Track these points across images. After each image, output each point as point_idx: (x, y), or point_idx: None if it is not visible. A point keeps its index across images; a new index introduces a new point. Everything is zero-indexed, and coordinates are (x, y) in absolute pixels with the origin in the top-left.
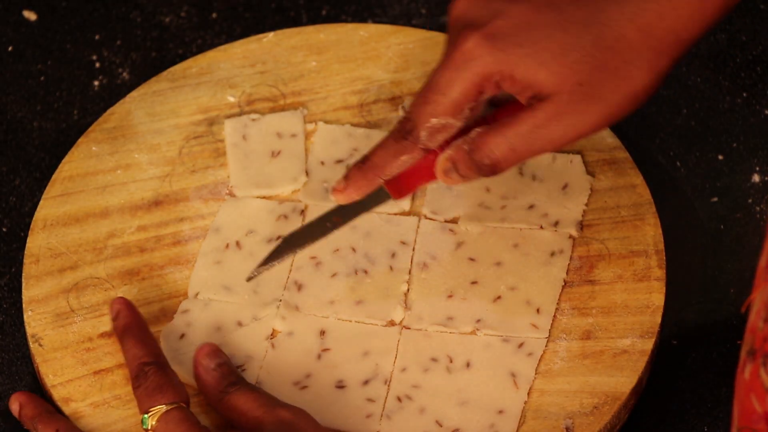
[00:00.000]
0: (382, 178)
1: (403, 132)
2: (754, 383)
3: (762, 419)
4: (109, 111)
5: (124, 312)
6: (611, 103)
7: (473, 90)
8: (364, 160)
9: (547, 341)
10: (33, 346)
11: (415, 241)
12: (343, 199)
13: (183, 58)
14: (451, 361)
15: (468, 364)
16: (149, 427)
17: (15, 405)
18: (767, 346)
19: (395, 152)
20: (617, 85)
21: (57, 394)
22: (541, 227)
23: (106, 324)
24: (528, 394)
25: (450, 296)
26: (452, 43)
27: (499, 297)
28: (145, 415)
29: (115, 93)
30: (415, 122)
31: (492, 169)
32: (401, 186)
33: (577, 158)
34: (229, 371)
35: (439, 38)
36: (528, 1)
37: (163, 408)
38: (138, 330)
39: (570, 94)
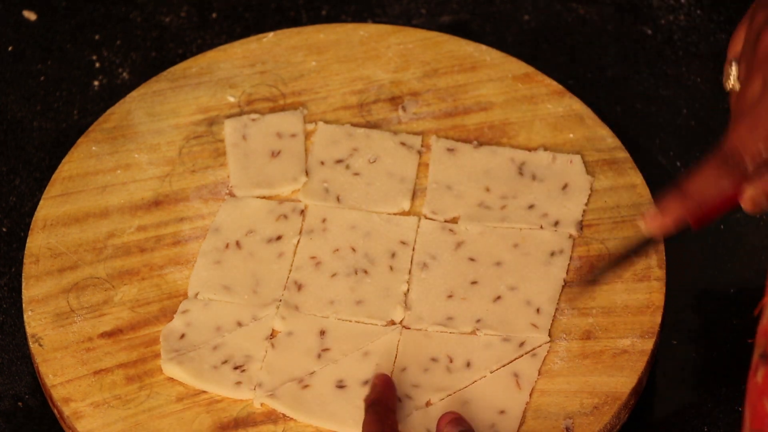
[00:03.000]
0: (701, 210)
1: (729, 165)
2: (767, 387)
3: None
4: (109, 111)
5: (379, 387)
6: None
7: None
8: (684, 192)
9: (548, 341)
10: (33, 346)
11: (415, 241)
12: (659, 230)
13: (183, 58)
14: (451, 361)
15: (468, 364)
16: None
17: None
18: None
19: (720, 186)
20: None
21: (57, 394)
22: (541, 227)
23: (106, 324)
24: (529, 394)
25: (450, 296)
26: None
27: (499, 297)
28: None
29: (115, 93)
30: (743, 156)
31: None
32: (703, 215)
33: (577, 158)
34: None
35: (439, 38)
36: None
37: None
38: (383, 407)
39: None
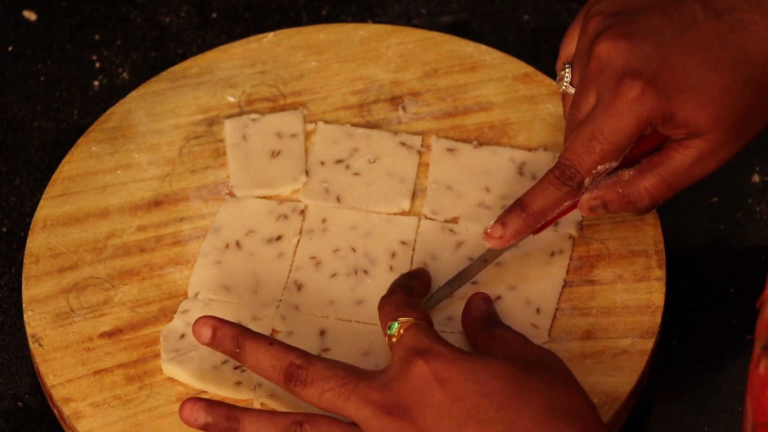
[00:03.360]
0: (540, 223)
1: (565, 178)
2: None
3: None
4: (109, 111)
5: (420, 273)
6: (755, 133)
7: (636, 133)
8: (523, 207)
9: (547, 341)
10: (33, 346)
11: (415, 241)
12: (499, 244)
13: (183, 58)
14: None
15: None
16: (395, 334)
17: (206, 329)
18: None
19: (557, 199)
20: (760, 118)
21: (57, 394)
22: None
23: (106, 324)
24: None
25: (450, 296)
26: (613, 91)
27: (499, 297)
28: (394, 323)
29: (115, 93)
30: (579, 170)
31: (649, 209)
32: (543, 225)
33: None
34: (495, 314)
35: (439, 38)
36: (672, 43)
37: (412, 320)
38: (417, 283)
39: (726, 133)
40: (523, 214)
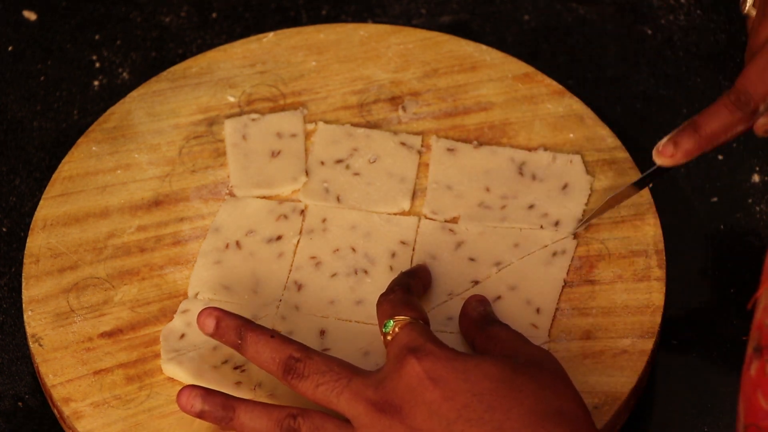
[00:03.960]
0: (712, 146)
1: (739, 104)
2: (761, 380)
3: None
4: (109, 111)
5: (420, 271)
6: None
7: None
8: (696, 128)
9: (547, 341)
10: (33, 346)
11: (415, 241)
12: (671, 162)
13: (183, 58)
14: None
15: None
16: (390, 332)
17: (210, 320)
18: None
19: (730, 123)
20: None
21: (57, 394)
22: (542, 227)
23: (106, 324)
24: None
25: (450, 296)
26: None
27: (499, 297)
28: (390, 321)
29: (115, 93)
30: (753, 96)
31: None
32: (712, 147)
33: (577, 158)
34: (492, 314)
35: (439, 38)
36: None
37: (407, 319)
38: (416, 282)
39: None
40: (696, 135)
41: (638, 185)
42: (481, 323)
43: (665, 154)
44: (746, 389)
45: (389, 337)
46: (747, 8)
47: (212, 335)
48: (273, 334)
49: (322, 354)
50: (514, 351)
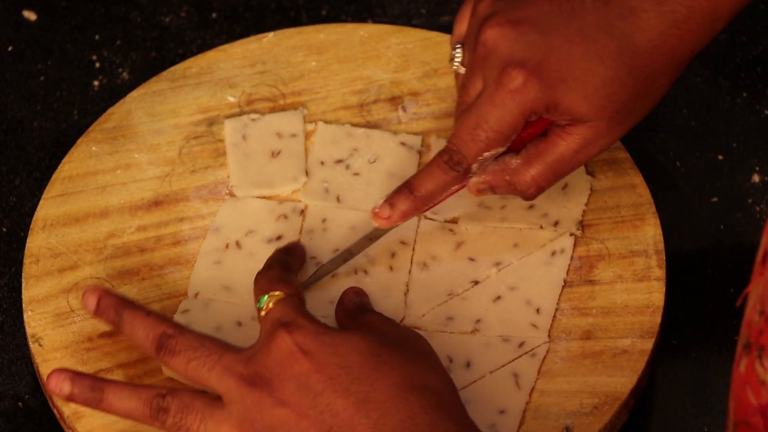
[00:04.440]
0: (428, 207)
1: (452, 164)
2: (750, 376)
3: (757, 412)
4: (109, 111)
5: (295, 248)
6: (639, 118)
7: (521, 121)
8: (412, 189)
9: (547, 341)
10: (33, 346)
11: (415, 241)
12: (386, 224)
13: (183, 58)
14: (451, 361)
15: (468, 364)
16: (263, 307)
17: (92, 297)
18: (762, 339)
19: (445, 183)
20: (644, 105)
21: None
22: (541, 227)
23: (106, 324)
24: (528, 394)
25: (450, 296)
26: (496, 80)
27: (499, 297)
28: (264, 297)
29: (115, 93)
30: (465, 156)
31: (535, 195)
32: (430, 207)
33: None
34: (368, 304)
35: (439, 38)
36: (558, 32)
37: (281, 294)
38: (294, 259)
39: (608, 121)
40: (411, 197)
41: (361, 244)
42: (355, 312)
43: (381, 215)
44: (736, 386)
45: (263, 313)
46: (456, 66)
47: (94, 314)
48: (149, 312)
49: (195, 331)
50: (385, 332)
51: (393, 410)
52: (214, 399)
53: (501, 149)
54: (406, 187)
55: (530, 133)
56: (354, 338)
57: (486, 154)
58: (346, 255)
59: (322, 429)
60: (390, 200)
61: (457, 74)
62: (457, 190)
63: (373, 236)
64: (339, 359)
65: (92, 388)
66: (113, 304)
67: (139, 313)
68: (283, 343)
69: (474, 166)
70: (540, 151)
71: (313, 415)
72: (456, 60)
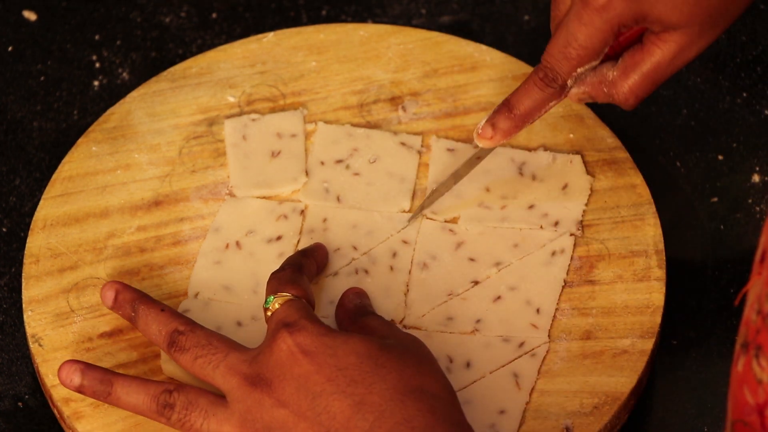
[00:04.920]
0: (528, 123)
1: (548, 80)
2: (747, 375)
3: (754, 411)
4: (109, 111)
5: (317, 250)
6: (725, 25)
7: (611, 36)
8: (510, 108)
9: (547, 341)
10: (33, 346)
11: (416, 241)
12: (490, 144)
13: (183, 58)
14: (451, 361)
15: (468, 364)
16: (270, 307)
17: (110, 292)
18: (759, 338)
19: (543, 100)
20: (730, 10)
21: (57, 394)
22: (541, 227)
23: (106, 324)
24: (528, 394)
25: (450, 296)
26: None
27: (499, 297)
28: (271, 297)
29: (115, 93)
30: (559, 73)
31: (635, 105)
32: (530, 123)
33: (577, 158)
34: (369, 306)
35: (439, 38)
36: None
37: (289, 296)
38: (308, 262)
39: (700, 26)
40: (511, 115)
41: (469, 164)
42: (355, 314)
43: (485, 136)
44: (734, 386)
45: (269, 313)
46: None
47: (112, 308)
48: (164, 308)
49: (206, 329)
50: (383, 335)
51: (389, 413)
52: (219, 397)
53: (595, 63)
54: (505, 107)
55: (627, 38)
56: (353, 340)
57: (580, 69)
58: (456, 177)
59: (320, 431)
60: (491, 120)
61: None
62: (556, 104)
63: (480, 155)
64: (337, 361)
65: (101, 380)
66: (129, 299)
67: (154, 309)
68: (284, 344)
69: (569, 82)
70: (636, 62)
71: (311, 416)
72: None
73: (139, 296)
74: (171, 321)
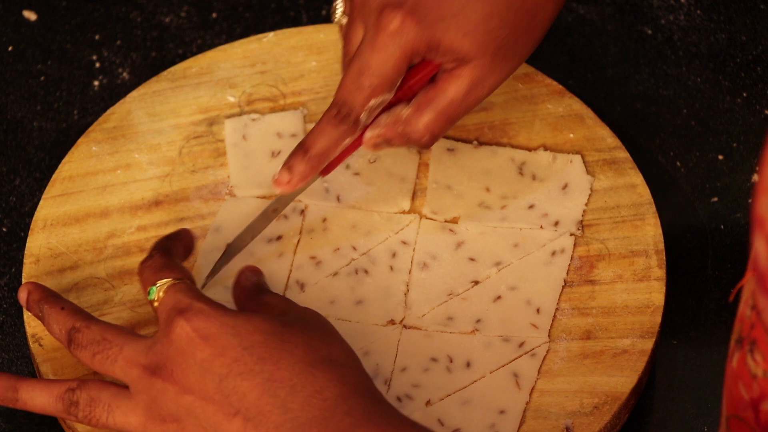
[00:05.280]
0: (325, 164)
1: (341, 117)
2: (742, 371)
3: (749, 406)
4: (109, 111)
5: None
6: (524, 55)
7: (404, 63)
8: (305, 150)
9: (547, 341)
10: (33, 346)
11: (416, 241)
12: (288, 189)
13: (183, 58)
14: (451, 361)
15: (468, 364)
16: (155, 298)
17: (23, 293)
18: (754, 333)
19: (337, 138)
20: (527, 41)
21: None
22: (541, 227)
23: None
24: (528, 394)
25: (450, 296)
26: (375, 24)
27: (499, 297)
28: (153, 287)
29: (115, 93)
30: (352, 107)
31: (430, 143)
32: (330, 163)
33: (577, 158)
34: (265, 284)
35: None
36: None
37: (170, 281)
38: (176, 244)
39: (492, 58)
40: (306, 158)
41: (263, 218)
42: (253, 291)
43: (282, 182)
44: (728, 381)
45: (156, 303)
46: (338, 17)
47: (27, 309)
48: (64, 306)
49: (101, 323)
50: (283, 311)
51: (300, 387)
52: (123, 389)
53: (388, 96)
54: (301, 149)
55: (418, 80)
56: (255, 319)
57: (373, 101)
58: (251, 232)
59: (229, 412)
60: (287, 164)
61: (341, 27)
62: (354, 148)
63: (277, 206)
64: (240, 340)
65: (6, 387)
66: (37, 300)
67: (55, 308)
68: (182, 331)
69: (363, 117)
70: (430, 98)
71: (219, 399)
72: (338, 11)
73: (45, 296)
74: (68, 319)
